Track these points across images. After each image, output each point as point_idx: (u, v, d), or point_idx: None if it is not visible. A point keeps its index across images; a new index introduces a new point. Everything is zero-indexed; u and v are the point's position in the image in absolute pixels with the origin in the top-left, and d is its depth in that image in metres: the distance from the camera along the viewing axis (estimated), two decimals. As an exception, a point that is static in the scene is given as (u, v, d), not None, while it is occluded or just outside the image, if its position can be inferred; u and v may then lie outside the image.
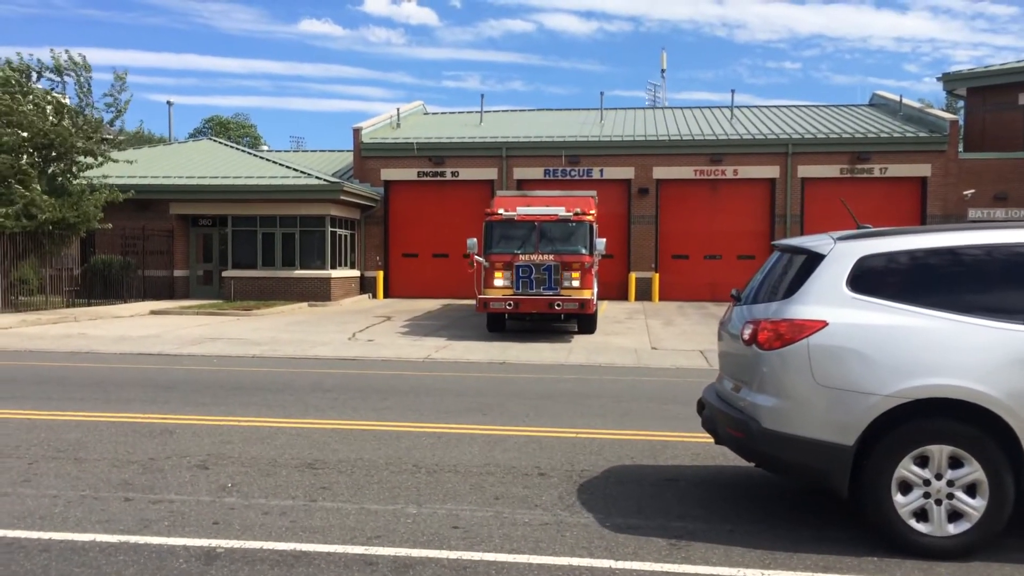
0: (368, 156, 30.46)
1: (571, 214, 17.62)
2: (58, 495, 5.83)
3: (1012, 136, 29.48)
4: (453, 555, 4.74)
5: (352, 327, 19.27)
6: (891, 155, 28.53)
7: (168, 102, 42.29)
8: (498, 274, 17.31)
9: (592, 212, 18.24)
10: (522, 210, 17.89)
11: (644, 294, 28.94)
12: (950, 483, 4.74)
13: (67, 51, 22.75)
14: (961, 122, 32.74)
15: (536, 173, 29.54)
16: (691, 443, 7.63)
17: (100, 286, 25.60)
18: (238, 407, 9.30)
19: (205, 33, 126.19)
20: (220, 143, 36.00)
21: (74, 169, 22.96)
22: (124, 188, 23.87)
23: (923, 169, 28.31)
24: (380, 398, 10.05)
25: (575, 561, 4.67)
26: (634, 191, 29.44)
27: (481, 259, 17.48)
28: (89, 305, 23.59)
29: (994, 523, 4.72)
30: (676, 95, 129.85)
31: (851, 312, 4.98)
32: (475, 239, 17.55)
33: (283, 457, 6.98)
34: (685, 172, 29.24)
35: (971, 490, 4.73)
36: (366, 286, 30.13)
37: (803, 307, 5.09)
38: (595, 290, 17.84)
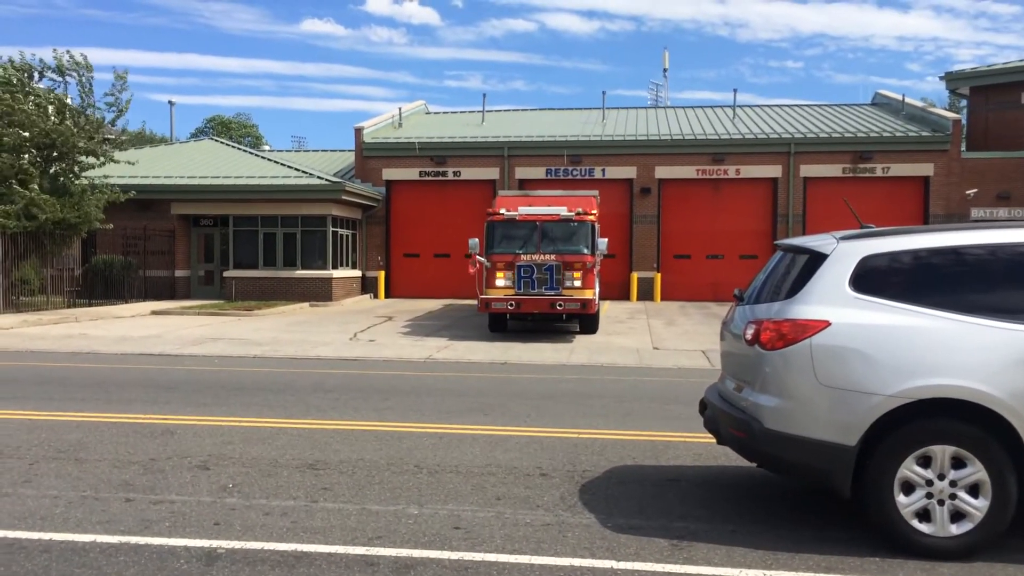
0: (370, 156, 30.47)
1: (573, 214, 17.61)
2: (59, 496, 5.83)
3: (1015, 135, 29.43)
4: (455, 556, 4.73)
5: (353, 327, 19.27)
6: (894, 154, 28.49)
7: (170, 102, 42.37)
8: (500, 274, 17.30)
9: (594, 212, 18.22)
10: (524, 210, 17.88)
11: (646, 294, 28.91)
12: (953, 483, 4.73)
13: (68, 51, 22.80)
14: (964, 121, 32.68)
15: (538, 173, 29.53)
16: (693, 443, 7.61)
17: (101, 286, 25.61)
18: (239, 407, 9.29)
19: (207, 33, 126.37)
20: (222, 143, 36.01)
21: (76, 169, 22.98)
22: (125, 188, 23.89)
23: (926, 168, 28.27)
24: (381, 398, 10.04)
25: (577, 562, 4.66)
26: (636, 191, 29.42)
27: (483, 259, 17.47)
28: (90, 305, 23.60)
29: (997, 524, 4.70)
30: (678, 94, 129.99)
31: (854, 312, 4.97)
32: (477, 239, 17.53)
33: (284, 458, 6.97)
34: (687, 172, 29.21)
35: (974, 490, 4.71)
36: (367, 286, 30.13)
37: (806, 307, 5.07)
38: (597, 290, 17.83)
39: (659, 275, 29.02)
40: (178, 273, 27.97)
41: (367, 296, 29.72)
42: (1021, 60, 31.64)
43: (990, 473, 4.66)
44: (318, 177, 26.98)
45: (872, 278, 5.06)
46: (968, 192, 27.93)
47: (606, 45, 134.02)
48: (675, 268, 29.33)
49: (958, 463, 4.73)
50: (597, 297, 17.85)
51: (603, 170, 29.47)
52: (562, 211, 17.68)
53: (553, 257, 17.19)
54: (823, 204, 28.08)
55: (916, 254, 5.12)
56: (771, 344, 5.10)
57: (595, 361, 14.06)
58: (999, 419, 4.67)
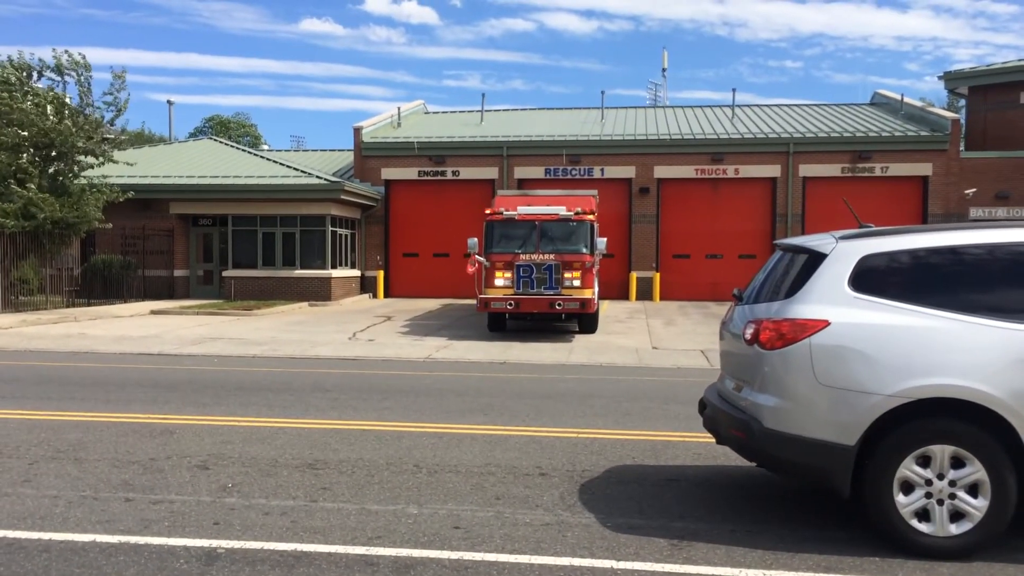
0: (369, 155, 30.46)
1: (572, 213, 17.61)
2: (58, 495, 5.82)
3: (1014, 135, 29.46)
4: (454, 555, 4.73)
5: (352, 327, 19.27)
6: (892, 154, 28.51)
7: (169, 101, 42.26)
8: (499, 274, 17.30)
9: (593, 211, 18.22)
10: (523, 209, 17.87)
11: (645, 294, 28.92)
12: (952, 483, 4.73)
13: (67, 51, 22.79)
14: (962, 121, 32.70)
15: (537, 172, 29.53)
16: (692, 443, 7.61)
17: (100, 286, 25.60)
18: (238, 407, 9.29)
19: (206, 32, 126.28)
20: (220, 142, 35.99)
21: (75, 169, 22.96)
22: (124, 188, 23.88)
23: (924, 168, 28.29)
24: (381, 398, 10.04)
25: (576, 561, 4.66)
26: (635, 190, 29.42)
27: (482, 259, 17.47)
28: (89, 305, 23.60)
29: (996, 523, 4.70)
30: (677, 94, 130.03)
31: (853, 312, 4.97)
32: (476, 239, 17.53)
33: (284, 457, 6.97)
34: (686, 171, 29.22)
35: (973, 490, 4.72)
36: (366, 286, 30.12)
37: (805, 307, 5.07)
38: (596, 289, 17.83)
39: (658, 275, 29.02)
40: (177, 273, 27.96)
41: (366, 296, 29.72)
42: (1020, 60, 31.67)
43: (989, 473, 4.66)
44: (317, 177, 26.97)
45: (871, 278, 5.07)
46: (967, 192, 27.95)
47: (605, 45, 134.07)
48: (674, 268, 29.33)
49: (957, 463, 4.73)
50: (596, 297, 17.85)
51: (602, 170, 29.47)
52: (561, 211, 17.68)
53: (552, 257, 17.19)
54: (822, 204, 28.09)
55: (915, 254, 5.12)
56: (770, 344, 5.10)
57: (594, 361, 14.06)
58: (998, 419, 4.68)
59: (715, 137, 29.67)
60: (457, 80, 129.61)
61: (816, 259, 5.25)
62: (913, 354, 4.79)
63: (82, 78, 22.92)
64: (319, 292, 26.29)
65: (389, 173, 30.31)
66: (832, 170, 28.68)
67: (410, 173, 30.23)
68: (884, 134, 28.99)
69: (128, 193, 23.81)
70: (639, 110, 36.65)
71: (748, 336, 5.30)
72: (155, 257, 27.51)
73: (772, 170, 28.95)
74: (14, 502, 5.67)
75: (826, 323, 4.96)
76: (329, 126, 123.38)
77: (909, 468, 4.76)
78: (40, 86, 22.99)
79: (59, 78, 22.89)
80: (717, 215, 29.21)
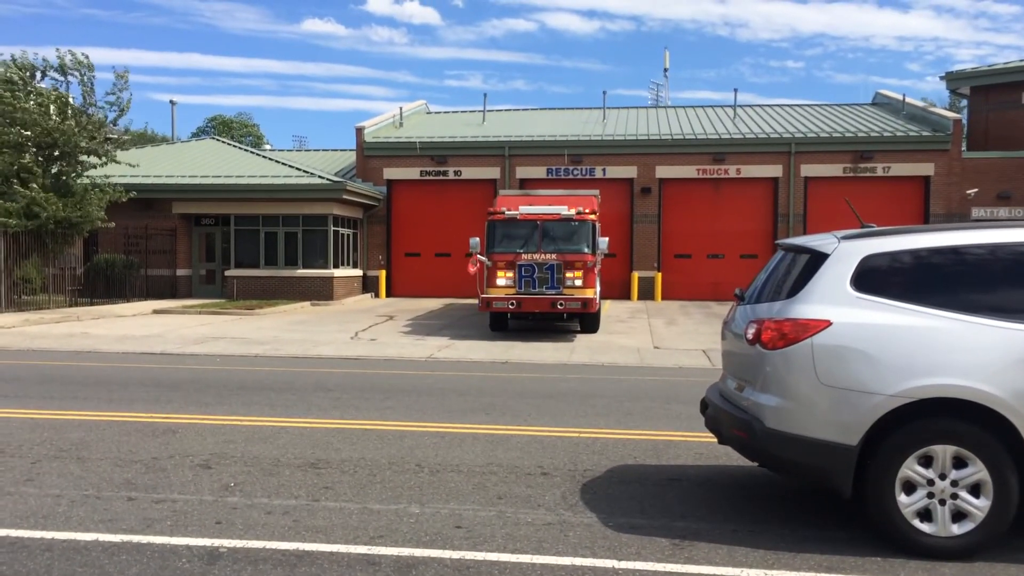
0: (371, 155, 30.47)
1: (574, 213, 17.60)
2: (61, 494, 5.83)
3: (1015, 135, 29.41)
4: (456, 555, 4.73)
5: (355, 326, 19.28)
6: (894, 154, 28.48)
7: (171, 101, 42.36)
8: (501, 273, 17.30)
9: (595, 211, 18.22)
10: (525, 209, 17.87)
11: (647, 293, 28.91)
12: (954, 483, 4.73)
13: (71, 50, 22.81)
14: (964, 121, 32.65)
15: (539, 172, 29.52)
16: (694, 443, 7.61)
17: (103, 285, 25.62)
18: (241, 406, 9.30)
19: (208, 33, 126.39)
20: (223, 142, 36.02)
21: (78, 169, 22.98)
22: (127, 187, 23.87)
23: (926, 168, 28.26)
24: (383, 397, 10.05)
25: (578, 561, 4.67)
26: (637, 190, 29.41)
27: (484, 258, 17.47)
28: (92, 304, 23.63)
29: (998, 523, 4.70)
30: (678, 94, 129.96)
31: (855, 311, 4.97)
32: (478, 238, 17.54)
33: (286, 457, 6.98)
34: (688, 171, 29.20)
35: (975, 490, 4.71)
36: (368, 285, 30.13)
37: (807, 306, 5.07)
38: (598, 289, 17.83)
39: (660, 274, 29.02)
40: (179, 272, 27.99)
41: (368, 295, 29.73)
42: (1021, 60, 31.62)
43: (991, 473, 4.66)
44: (319, 176, 26.99)
45: (873, 277, 5.06)
46: (968, 192, 27.92)
47: (606, 45, 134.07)
48: (676, 267, 29.32)
49: (959, 463, 4.73)
50: (598, 296, 17.85)
51: (604, 169, 29.47)
52: (563, 210, 17.68)
53: (554, 256, 17.19)
54: (824, 204, 28.07)
55: (917, 254, 5.12)
56: (772, 344, 5.10)
57: (596, 360, 14.06)
58: (1000, 419, 4.67)
59: (717, 137, 29.66)
60: (459, 80, 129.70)
61: (818, 259, 5.25)
62: (915, 354, 4.79)
63: (85, 78, 22.94)
64: (321, 292, 26.30)
65: (391, 173, 30.32)
66: (834, 170, 28.66)
67: (412, 173, 30.24)
68: (886, 134, 28.96)
69: (131, 193, 23.82)
70: (641, 110, 36.64)
71: (750, 336, 5.31)
72: (158, 257, 27.54)
73: (774, 170, 28.94)
74: (17, 501, 5.68)
75: (828, 323, 4.96)
76: (331, 126, 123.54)
77: (911, 468, 4.76)
78: (43, 86, 23.01)
79: (62, 78, 22.92)
80: (719, 215, 29.20)
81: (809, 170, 28.81)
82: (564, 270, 17.08)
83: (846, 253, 5.17)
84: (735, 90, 33.77)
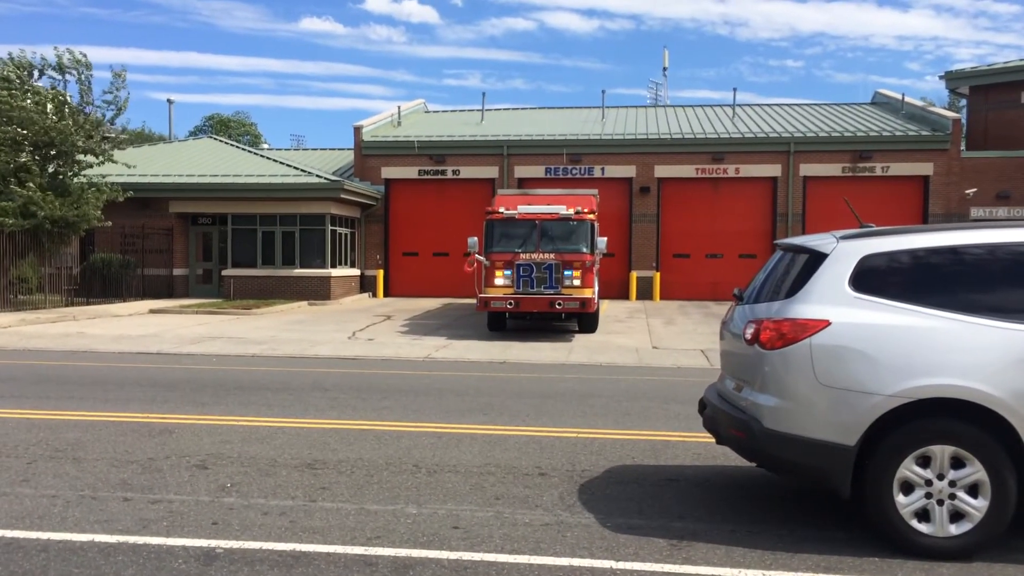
0: (369, 154, 30.44)
1: (572, 212, 17.58)
2: (57, 495, 5.81)
3: (1014, 135, 29.44)
4: (453, 556, 4.72)
5: (352, 326, 19.26)
6: (893, 154, 28.49)
7: (169, 100, 42.27)
8: (499, 273, 17.28)
9: (593, 211, 18.20)
10: (523, 208, 17.85)
11: (645, 293, 28.91)
12: (952, 483, 4.72)
13: (69, 49, 22.77)
14: (963, 121, 32.68)
15: (537, 171, 29.51)
16: (692, 443, 7.60)
17: (99, 285, 25.59)
18: (237, 407, 9.28)
19: (206, 31, 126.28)
20: (220, 141, 35.97)
21: (75, 168, 22.93)
22: (124, 187, 23.83)
23: (925, 168, 28.27)
24: (380, 398, 10.03)
25: (576, 562, 4.65)
26: (635, 189, 29.41)
27: (482, 258, 17.45)
28: (88, 304, 23.59)
29: (996, 524, 4.69)
30: (678, 93, 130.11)
31: (854, 312, 4.96)
32: (476, 238, 17.52)
33: (282, 457, 6.96)
34: (687, 171, 29.20)
35: (973, 490, 4.71)
36: (366, 285, 30.11)
37: (805, 306, 5.06)
38: (596, 289, 17.81)
39: (658, 274, 29.01)
40: (176, 272, 27.95)
41: (366, 295, 29.70)
42: (1021, 60, 31.65)
43: (989, 473, 4.65)
44: (317, 176, 26.96)
45: (872, 277, 5.05)
46: (968, 192, 27.93)
47: (605, 44, 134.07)
48: (674, 267, 29.32)
49: (957, 463, 4.72)
50: (596, 296, 17.83)
51: (602, 169, 29.46)
52: (561, 210, 17.66)
53: (552, 256, 17.17)
54: (823, 203, 28.07)
55: (916, 254, 5.11)
56: (771, 344, 5.09)
57: (594, 360, 14.05)
58: (999, 419, 4.67)
59: (716, 136, 29.66)
60: (457, 79, 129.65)
61: (817, 259, 5.24)
62: (913, 354, 4.78)
63: (83, 76, 22.90)
64: (318, 291, 26.28)
65: (389, 172, 30.29)
66: (833, 170, 28.66)
67: (410, 172, 30.22)
68: (885, 134, 28.97)
69: (128, 192, 23.78)
70: (640, 109, 36.64)
71: (748, 336, 5.29)
72: (154, 256, 27.49)
73: (773, 169, 28.94)
74: (12, 502, 5.65)
75: (827, 323, 4.95)
76: (329, 125, 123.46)
77: (909, 468, 4.75)
78: (41, 84, 22.97)
79: (60, 76, 22.88)
80: (717, 214, 29.19)
81: (808, 170, 28.82)
82: (562, 270, 17.06)
83: (845, 253, 5.15)
84: (734, 89, 33.81)
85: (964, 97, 35.48)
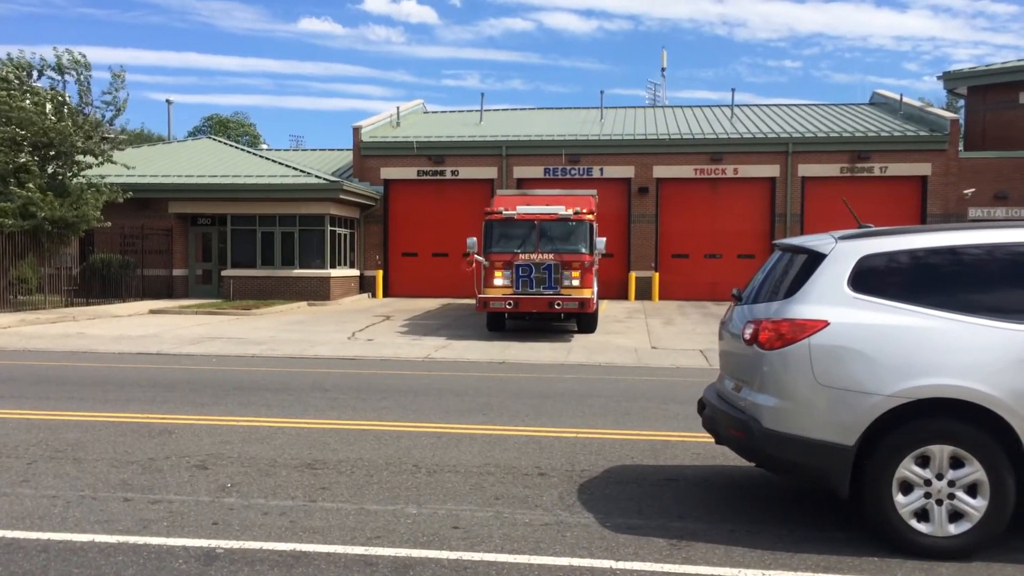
0: (368, 155, 30.44)
1: (571, 213, 17.59)
2: (57, 495, 5.82)
3: (1013, 135, 29.47)
4: (453, 555, 4.73)
5: (351, 326, 19.26)
6: (891, 154, 28.51)
7: (167, 100, 42.30)
8: (498, 273, 17.29)
9: (592, 211, 18.21)
10: (522, 209, 17.86)
11: (644, 293, 28.92)
12: (951, 483, 4.73)
13: (68, 49, 22.75)
14: (961, 121, 32.72)
15: (536, 172, 29.53)
16: (691, 443, 7.61)
17: (99, 285, 25.57)
18: (237, 407, 9.28)
19: (205, 32, 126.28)
20: (219, 142, 35.96)
21: (75, 168, 22.92)
22: (123, 187, 23.81)
23: (923, 168, 28.30)
24: (379, 398, 10.04)
25: (575, 561, 4.66)
26: (634, 190, 29.42)
27: (481, 258, 17.46)
28: (88, 304, 23.57)
29: (995, 523, 4.70)
30: (676, 94, 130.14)
31: (852, 312, 4.97)
32: (475, 238, 17.53)
33: (282, 457, 6.96)
34: (685, 171, 29.22)
35: (972, 490, 4.72)
36: (365, 285, 30.11)
37: (804, 307, 5.07)
38: (595, 289, 17.82)
39: (657, 274, 29.03)
40: (176, 272, 27.94)
41: (365, 295, 29.70)
42: (1019, 60, 31.68)
43: (988, 473, 4.66)
44: (316, 176, 26.95)
45: (871, 278, 5.06)
46: (966, 192, 27.96)
47: (604, 44, 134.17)
48: (673, 267, 29.33)
49: (956, 463, 4.73)
50: (595, 296, 17.84)
51: (601, 169, 29.47)
52: (560, 210, 17.67)
53: (551, 256, 17.18)
54: (821, 203, 28.09)
55: (914, 254, 5.12)
56: (769, 344, 5.10)
57: (593, 360, 14.06)
58: (997, 419, 4.68)
59: (714, 137, 29.67)
60: (456, 80, 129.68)
61: (815, 259, 5.25)
62: (912, 354, 4.79)
63: (82, 77, 22.89)
64: (318, 292, 26.28)
65: (388, 173, 30.30)
66: (831, 170, 28.68)
67: (409, 173, 30.22)
68: (883, 134, 29.00)
69: (127, 193, 23.75)
70: (638, 110, 36.66)
71: (747, 336, 5.30)
72: (154, 256, 27.48)
73: (771, 170, 28.96)
74: (12, 502, 5.66)
75: (825, 323, 4.96)
76: (328, 125, 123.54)
77: (908, 468, 4.76)
78: (40, 85, 22.96)
79: (59, 77, 22.86)
80: (716, 215, 29.21)
81: (806, 170, 28.84)
82: (561, 270, 17.07)
83: (843, 253, 5.16)
84: (732, 90, 33.86)
85: (962, 97, 35.51)
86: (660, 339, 17.41)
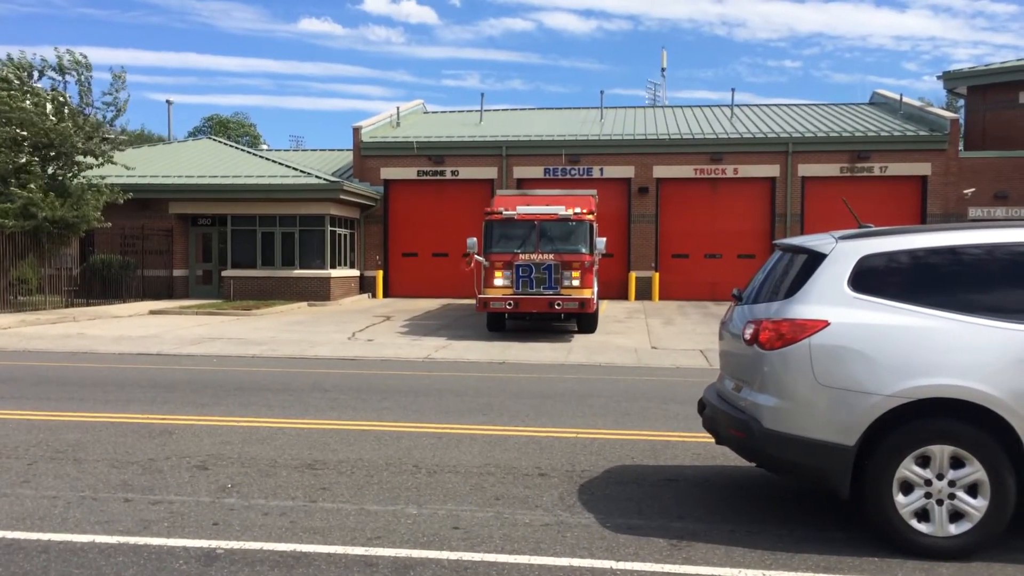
0: (368, 155, 30.45)
1: (571, 213, 17.59)
2: (57, 496, 5.82)
3: (1012, 135, 29.47)
4: (453, 556, 4.73)
5: (352, 327, 19.26)
6: (891, 154, 28.52)
7: (168, 101, 42.31)
8: (498, 273, 17.29)
9: (592, 211, 18.21)
10: (522, 209, 17.86)
11: (644, 293, 28.92)
12: (951, 483, 4.73)
13: (69, 50, 22.75)
14: (961, 121, 32.71)
15: (536, 172, 29.53)
16: (692, 443, 7.61)
17: (99, 286, 25.58)
18: (238, 407, 9.28)
19: (205, 32, 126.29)
20: (219, 142, 35.96)
21: (75, 169, 22.92)
22: (124, 188, 23.82)
23: (923, 168, 28.30)
24: (380, 398, 10.04)
25: (576, 562, 4.66)
26: (634, 190, 29.42)
27: (481, 258, 17.46)
28: (88, 305, 23.57)
29: (996, 523, 4.70)
30: (676, 94, 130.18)
31: (853, 312, 4.97)
32: (475, 238, 17.53)
33: (283, 457, 6.96)
34: (685, 171, 29.23)
35: (972, 490, 4.72)
36: (366, 285, 30.11)
37: (804, 307, 5.07)
38: (595, 289, 17.82)
39: (657, 274, 29.03)
40: (176, 272, 27.94)
41: (365, 295, 29.71)
42: (1018, 60, 31.68)
43: (989, 473, 4.66)
44: (316, 176, 26.96)
45: (871, 278, 5.06)
46: (966, 192, 27.96)
47: (604, 44, 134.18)
48: (673, 267, 29.33)
49: (957, 463, 4.73)
50: (595, 296, 17.84)
51: (601, 169, 29.48)
52: (560, 210, 17.67)
53: (551, 256, 17.18)
54: (821, 203, 28.10)
55: (914, 254, 5.12)
56: (770, 344, 5.10)
57: (593, 360, 14.06)
58: (998, 419, 4.68)
59: (714, 137, 29.68)
60: (456, 80, 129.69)
61: (815, 259, 5.25)
62: (912, 354, 4.79)
63: (82, 78, 22.89)
64: (318, 292, 26.28)
65: (388, 173, 30.30)
66: (831, 170, 28.69)
67: (409, 173, 30.23)
68: (883, 134, 29.00)
69: (127, 193, 23.76)
70: (638, 110, 36.66)
71: (747, 336, 5.30)
72: (154, 257, 27.49)
73: (771, 170, 28.96)
74: (13, 503, 5.66)
75: (825, 323, 4.96)
76: (328, 126, 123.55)
77: (908, 468, 4.76)
78: (40, 85, 22.96)
79: (60, 77, 22.86)
80: (716, 215, 29.22)
81: (806, 170, 28.84)
82: (561, 270, 17.07)
83: (843, 253, 5.16)
84: (732, 90, 33.87)
85: (962, 97, 35.52)
86: (660, 339, 17.41)
